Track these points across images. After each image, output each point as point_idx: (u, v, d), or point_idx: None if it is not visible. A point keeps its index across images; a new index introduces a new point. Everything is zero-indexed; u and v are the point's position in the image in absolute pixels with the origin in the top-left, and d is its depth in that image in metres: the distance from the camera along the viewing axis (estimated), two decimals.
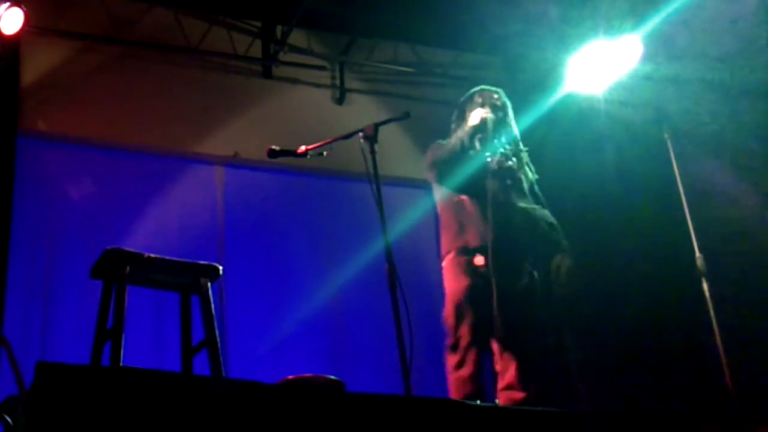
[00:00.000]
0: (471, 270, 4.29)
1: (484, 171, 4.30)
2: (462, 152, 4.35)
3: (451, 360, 4.36)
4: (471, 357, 4.24)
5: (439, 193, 4.54)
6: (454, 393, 4.24)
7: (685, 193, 4.82)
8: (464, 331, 4.29)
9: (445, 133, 7.07)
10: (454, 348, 4.34)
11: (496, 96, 4.50)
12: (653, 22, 5.66)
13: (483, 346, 4.27)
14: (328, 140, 3.99)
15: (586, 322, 6.22)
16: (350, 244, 6.21)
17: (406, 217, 6.37)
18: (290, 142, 4.09)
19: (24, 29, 5.30)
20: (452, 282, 4.38)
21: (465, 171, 4.34)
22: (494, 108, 4.42)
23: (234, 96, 6.59)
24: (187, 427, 2.40)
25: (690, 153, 5.31)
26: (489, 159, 4.30)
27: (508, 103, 4.54)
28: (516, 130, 4.51)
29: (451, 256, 4.39)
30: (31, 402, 2.32)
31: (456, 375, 4.28)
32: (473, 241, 4.29)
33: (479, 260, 4.25)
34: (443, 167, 4.39)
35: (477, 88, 4.58)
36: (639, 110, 6.13)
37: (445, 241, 4.46)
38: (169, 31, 6.47)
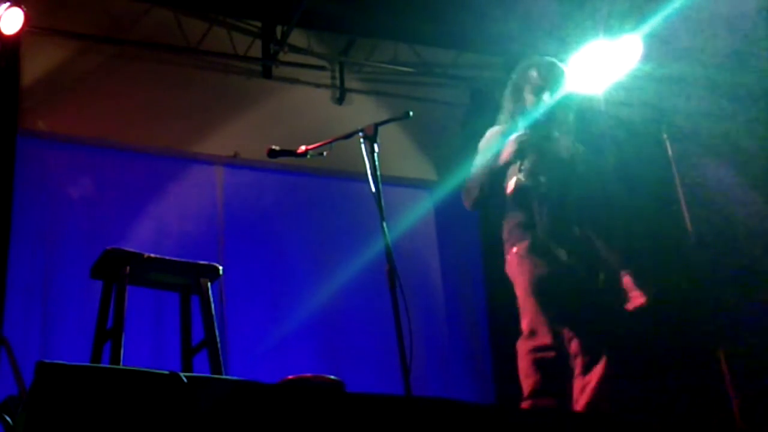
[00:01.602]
0: (552, 257, 4.00)
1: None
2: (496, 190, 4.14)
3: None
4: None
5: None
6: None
7: (685, 193, 4.83)
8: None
9: (445, 134, 7.10)
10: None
11: (534, 75, 4.22)
12: (653, 22, 5.67)
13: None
14: (328, 140, 3.99)
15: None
16: (350, 244, 6.21)
17: (406, 217, 6.38)
18: (290, 142, 4.09)
19: (24, 29, 5.31)
20: (527, 266, 4.04)
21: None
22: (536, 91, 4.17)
23: (234, 96, 6.59)
24: (187, 427, 2.39)
25: (690, 153, 5.32)
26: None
27: (557, 77, 4.23)
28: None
29: (525, 243, 4.05)
30: (31, 402, 2.32)
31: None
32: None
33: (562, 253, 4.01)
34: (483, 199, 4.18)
35: (534, 61, 4.30)
36: (639, 110, 6.14)
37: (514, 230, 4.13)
38: (169, 31, 6.46)
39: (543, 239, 4.02)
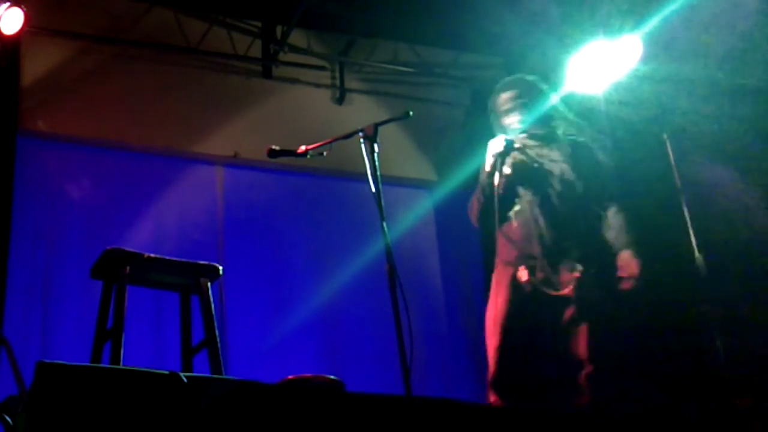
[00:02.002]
0: (513, 285, 4.02)
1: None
2: (491, 195, 4.09)
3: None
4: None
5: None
6: None
7: (685, 193, 4.82)
8: (492, 354, 4.02)
9: (445, 134, 7.11)
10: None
11: (504, 97, 4.24)
12: (653, 22, 5.66)
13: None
14: (328, 140, 3.98)
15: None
16: (350, 244, 6.21)
17: (406, 217, 6.38)
18: (290, 142, 4.09)
19: (24, 29, 5.31)
20: (492, 297, 4.11)
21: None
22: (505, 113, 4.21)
23: (234, 96, 6.59)
24: (187, 427, 2.39)
25: (690, 153, 5.32)
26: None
27: (531, 93, 4.21)
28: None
29: (498, 268, 4.12)
30: (31, 402, 2.32)
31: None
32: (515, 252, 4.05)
33: (522, 274, 3.99)
34: (485, 218, 4.18)
35: (504, 84, 4.30)
36: (639, 110, 6.13)
37: (498, 252, 4.16)
38: (169, 31, 6.47)
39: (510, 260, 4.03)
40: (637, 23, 5.67)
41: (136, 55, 6.34)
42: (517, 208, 4.07)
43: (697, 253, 4.70)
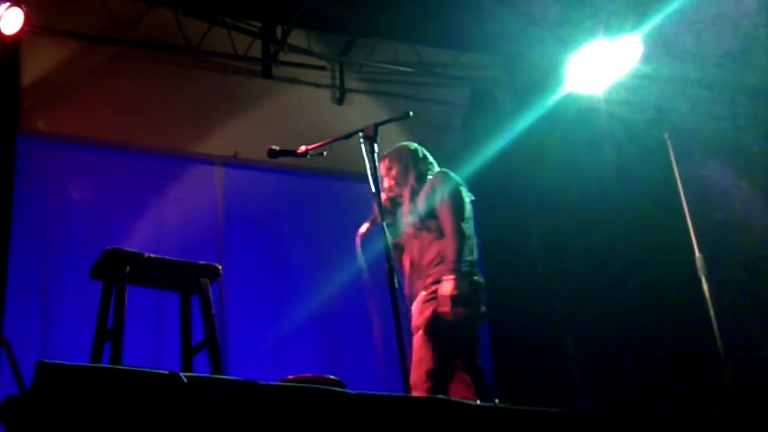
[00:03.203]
0: None
1: None
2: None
3: None
4: None
5: None
6: None
7: (685, 193, 4.82)
8: None
9: (445, 134, 7.11)
10: None
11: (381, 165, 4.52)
12: (653, 22, 5.67)
13: None
14: (328, 140, 3.99)
15: (585, 321, 6.22)
16: (350, 244, 6.20)
17: None
18: (290, 142, 4.10)
19: (24, 29, 5.31)
20: None
21: None
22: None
23: (234, 96, 6.59)
24: (187, 427, 2.40)
25: (690, 153, 5.32)
26: None
27: (399, 157, 4.59)
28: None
29: None
30: (31, 402, 2.32)
31: None
32: None
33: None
34: None
35: (383, 155, 4.57)
36: (639, 110, 6.13)
37: None
38: (169, 31, 6.47)
39: None
40: (637, 23, 5.67)
41: (136, 55, 6.34)
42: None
43: (697, 253, 4.69)
